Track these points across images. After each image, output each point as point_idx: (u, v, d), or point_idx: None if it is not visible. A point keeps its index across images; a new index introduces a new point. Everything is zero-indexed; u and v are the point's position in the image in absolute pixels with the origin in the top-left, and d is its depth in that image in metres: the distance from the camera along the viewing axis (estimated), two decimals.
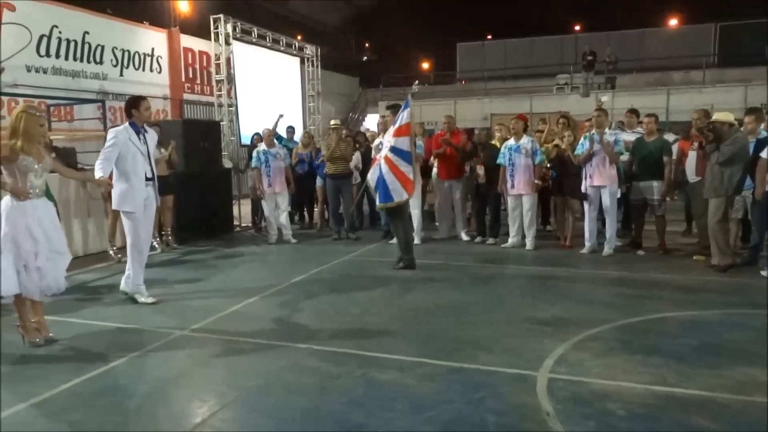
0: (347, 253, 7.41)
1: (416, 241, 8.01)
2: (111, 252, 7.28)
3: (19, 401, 3.24)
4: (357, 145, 9.35)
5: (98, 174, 4.87)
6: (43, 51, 11.10)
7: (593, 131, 6.94)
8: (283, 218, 8.54)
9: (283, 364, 3.77)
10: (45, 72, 11.15)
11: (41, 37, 11.04)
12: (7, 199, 4.07)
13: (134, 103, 5.26)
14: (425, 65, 35.63)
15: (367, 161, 9.01)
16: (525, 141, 7.39)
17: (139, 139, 5.19)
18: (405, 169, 6.23)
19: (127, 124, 5.24)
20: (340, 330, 4.47)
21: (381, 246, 8.06)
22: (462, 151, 8.03)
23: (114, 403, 3.26)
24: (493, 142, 8.11)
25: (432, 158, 8.47)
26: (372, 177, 6.55)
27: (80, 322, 4.70)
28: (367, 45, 37.45)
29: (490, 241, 7.98)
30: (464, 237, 8.30)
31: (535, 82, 21.84)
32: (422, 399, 3.22)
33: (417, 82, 7.13)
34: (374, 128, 14.28)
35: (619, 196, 7.15)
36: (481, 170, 7.79)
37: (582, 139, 7.09)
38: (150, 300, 5.27)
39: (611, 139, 6.84)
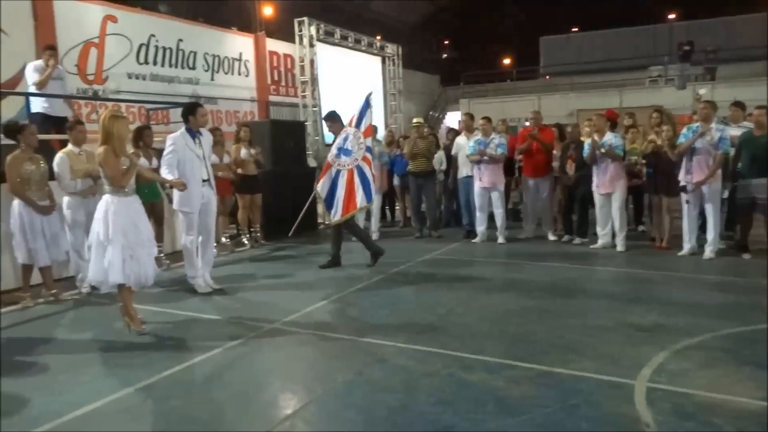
0: (430, 251, 7.37)
1: (500, 240, 7.88)
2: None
3: (127, 385, 3.46)
4: (440, 143, 9.29)
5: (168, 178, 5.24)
6: (142, 59, 11.85)
7: (697, 124, 6.49)
8: (374, 215, 8.63)
9: (369, 361, 3.80)
10: (144, 78, 11.90)
11: (140, 45, 11.79)
12: (107, 196, 4.36)
13: (191, 110, 5.49)
14: (506, 61, 34.93)
15: (449, 159, 8.93)
16: (608, 137, 7.05)
17: (195, 143, 5.44)
18: (375, 167, 6.94)
19: (183, 129, 5.48)
20: (426, 328, 4.45)
21: (463, 245, 7.97)
22: (551, 148, 7.78)
23: (211, 391, 3.41)
24: (582, 138, 7.80)
25: (517, 155, 8.27)
26: (323, 187, 6.69)
27: (180, 313, 4.97)
28: (446, 42, 37.23)
29: (577, 241, 7.69)
30: (551, 237, 8.04)
31: (625, 75, 20.87)
32: (512, 402, 3.14)
33: (371, 91, 7.20)
34: (455, 126, 14.21)
35: (724, 195, 6.65)
36: (571, 169, 7.51)
37: (684, 129, 6.65)
38: (207, 290, 5.58)
39: (717, 135, 6.36)
